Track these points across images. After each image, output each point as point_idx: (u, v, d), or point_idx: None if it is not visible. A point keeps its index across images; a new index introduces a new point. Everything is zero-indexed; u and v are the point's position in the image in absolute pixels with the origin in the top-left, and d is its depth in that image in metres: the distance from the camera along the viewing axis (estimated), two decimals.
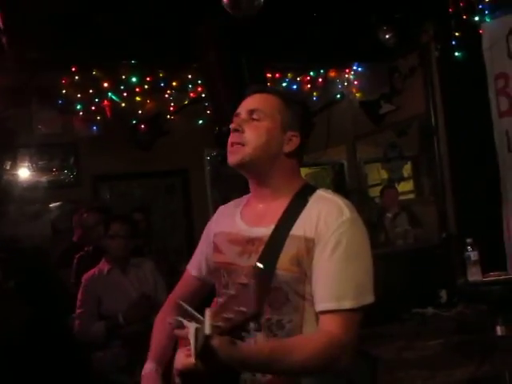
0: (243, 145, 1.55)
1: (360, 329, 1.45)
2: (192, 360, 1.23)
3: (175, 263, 5.03)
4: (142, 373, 1.67)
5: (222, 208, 1.77)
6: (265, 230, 1.52)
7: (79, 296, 3.24)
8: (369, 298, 1.45)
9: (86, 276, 3.30)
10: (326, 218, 1.46)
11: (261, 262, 1.49)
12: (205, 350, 1.22)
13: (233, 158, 1.57)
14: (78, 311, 3.22)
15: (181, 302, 1.37)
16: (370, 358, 3.33)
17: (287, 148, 1.56)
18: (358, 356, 3.36)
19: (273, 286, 1.47)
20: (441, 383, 3.18)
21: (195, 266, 1.79)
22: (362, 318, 1.45)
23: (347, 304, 1.41)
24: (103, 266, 3.35)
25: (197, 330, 1.23)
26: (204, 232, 1.80)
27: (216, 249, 1.66)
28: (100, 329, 3.10)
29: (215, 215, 1.77)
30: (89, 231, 3.81)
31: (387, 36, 5.12)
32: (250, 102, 1.59)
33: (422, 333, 4.02)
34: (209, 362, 1.23)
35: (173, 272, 4.62)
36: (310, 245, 1.45)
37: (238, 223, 1.62)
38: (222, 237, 1.65)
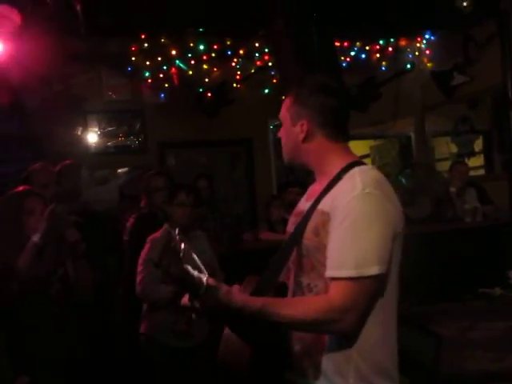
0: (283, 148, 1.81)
1: (369, 299, 1.52)
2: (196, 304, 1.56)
3: (238, 231, 5.08)
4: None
5: (310, 186, 1.93)
6: (309, 204, 1.69)
7: (143, 256, 3.26)
8: (373, 270, 1.49)
9: (152, 237, 3.32)
10: (340, 193, 1.58)
11: (294, 231, 1.69)
12: (207, 293, 1.51)
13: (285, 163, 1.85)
14: (141, 270, 3.24)
15: (193, 255, 1.68)
16: (434, 336, 3.29)
17: (301, 136, 1.70)
18: (422, 333, 3.30)
19: (302, 252, 1.65)
20: (507, 367, 3.10)
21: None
22: (369, 289, 1.50)
23: (345, 272, 1.49)
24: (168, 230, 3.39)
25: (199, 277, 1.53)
26: None
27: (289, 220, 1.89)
28: (168, 292, 3.12)
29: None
30: (153, 194, 3.83)
31: (463, 2, 4.88)
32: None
33: (487, 313, 3.92)
34: (209, 303, 1.52)
35: (235, 240, 4.68)
36: (325, 218, 1.59)
37: (303, 199, 1.84)
38: (294, 210, 1.87)
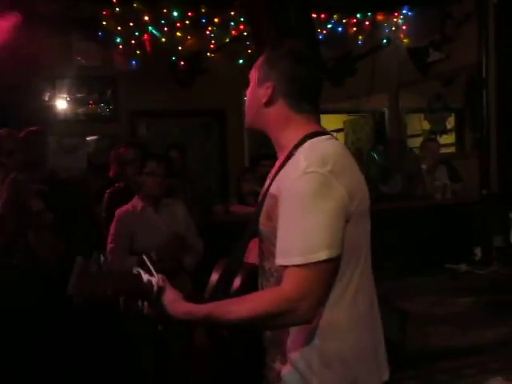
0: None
1: (323, 284, 1.44)
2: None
3: (208, 203, 5.03)
4: None
5: None
6: (267, 184, 1.61)
7: (111, 230, 3.24)
8: (321, 255, 1.40)
9: (119, 211, 3.29)
10: (286, 174, 1.50)
11: (254, 213, 1.61)
12: (156, 302, 1.46)
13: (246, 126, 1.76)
14: (110, 245, 3.22)
15: (143, 256, 1.59)
16: (400, 311, 3.32)
17: (264, 99, 1.60)
18: (388, 309, 3.34)
19: (260, 238, 1.60)
20: (471, 342, 3.15)
21: None
22: (321, 274, 1.43)
23: (293, 260, 1.42)
24: (136, 202, 3.34)
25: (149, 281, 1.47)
26: None
27: None
28: (133, 263, 3.10)
29: None
30: (125, 166, 3.77)
31: None
32: None
33: (453, 289, 3.98)
34: (159, 311, 1.47)
35: (206, 212, 4.63)
36: (274, 201, 1.50)
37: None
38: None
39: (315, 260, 1.40)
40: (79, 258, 1.42)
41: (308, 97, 1.62)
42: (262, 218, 1.56)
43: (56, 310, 2.88)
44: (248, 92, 1.68)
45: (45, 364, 2.58)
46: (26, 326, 2.52)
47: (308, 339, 1.52)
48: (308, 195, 1.42)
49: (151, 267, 1.49)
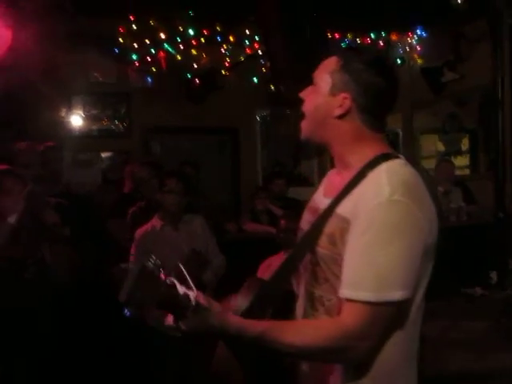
0: (304, 115, 1.52)
1: (387, 325, 1.32)
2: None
3: (221, 221, 5.02)
4: None
5: (329, 172, 1.68)
6: (327, 202, 1.45)
7: (132, 251, 3.25)
8: (396, 295, 1.27)
9: (138, 231, 3.31)
10: (364, 197, 1.34)
11: (308, 234, 1.46)
12: (195, 314, 1.30)
13: (301, 137, 1.55)
14: (131, 266, 3.23)
15: (179, 264, 1.43)
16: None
17: (338, 111, 1.43)
18: None
19: (315, 260, 1.43)
20: (488, 367, 3.09)
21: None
22: (388, 315, 1.30)
23: (363, 295, 1.28)
24: (156, 222, 3.34)
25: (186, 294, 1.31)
26: None
27: (303, 215, 1.64)
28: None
29: (323, 179, 1.70)
30: (141, 185, 3.78)
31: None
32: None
33: (468, 313, 3.91)
34: (198, 326, 1.31)
35: (218, 229, 4.62)
36: (345, 225, 1.35)
37: (320, 191, 1.60)
38: (309, 203, 1.63)
39: (387, 299, 1.28)
40: (141, 266, 1.35)
41: (383, 114, 1.49)
42: (323, 241, 1.40)
43: (69, 323, 2.87)
44: (312, 98, 1.49)
45: (61, 378, 2.56)
46: (39, 340, 2.50)
47: (357, 381, 1.38)
48: (392, 225, 1.29)
49: (189, 279, 1.36)
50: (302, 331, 1.34)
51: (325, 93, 1.45)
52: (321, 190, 1.60)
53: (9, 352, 2.36)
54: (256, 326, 1.32)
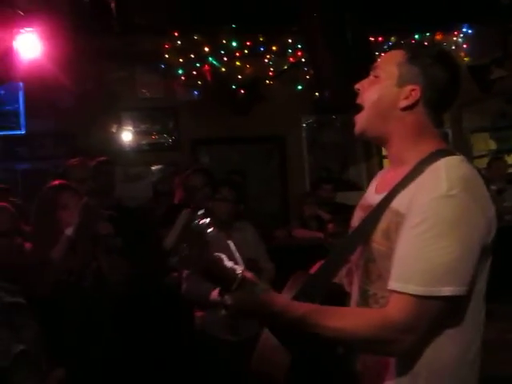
0: (362, 108, 1.49)
1: (437, 321, 1.29)
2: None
3: (269, 228, 5.05)
4: None
5: (380, 172, 1.70)
6: (379, 198, 1.44)
7: None
8: (446, 290, 1.24)
9: None
10: (421, 191, 1.32)
11: (360, 228, 1.44)
12: (240, 288, 1.27)
13: (355, 130, 1.52)
14: (186, 272, 3.26)
15: (228, 242, 1.44)
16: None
17: (404, 103, 1.42)
18: None
19: (368, 257, 1.42)
20: None
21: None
22: (438, 311, 1.27)
23: (411, 288, 1.26)
24: None
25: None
26: None
27: (354, 214, 1.64)
28: (210, 289, 3.12)
29: (374, 178, 1.69)
30: (193, 192, 3.84)
31: None
32: (377, 61, 1.53)
33: None
34: (241, 301, 1.28)
35: (267, 237, 4.65)
36: (399, 220, 1.34)
37: (372, 189, 1.58)
38: (360, 201, 1.63)
39: (437, 294, 1.25)
40: (185, 212, 1.33)
41: (444, 110, 1.48)
42: (377, 236, 1.39)
43: (127, 331, 2.95)
44: (374, 89, 1.47)
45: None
46: (98, 348, 2.59)
47: (412, 374, 1.35)
48: (448, 220, 1.27)
49: (237, 255, 1.36)
50: (345, 317, 1.32)
51: (391, 84, 1.44)
52: (372, 188, 1.59)
53: (73, 357, 2.45)
54: (300, 307, 1.30)
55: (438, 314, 1.28)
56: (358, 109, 1.51)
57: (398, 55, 1.46)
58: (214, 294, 1.33)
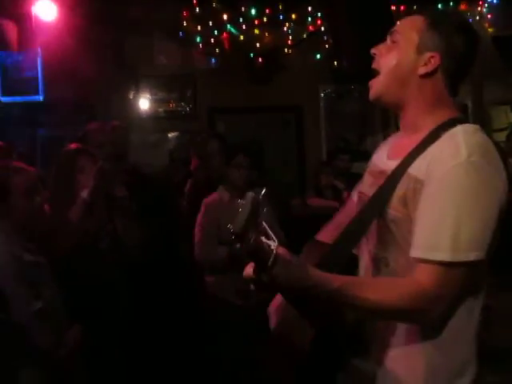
0: (378, 72, 1.49)
1: (461, 287, 1.31)
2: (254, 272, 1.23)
3: (287, 197, 5.07)
4: None
5: (389, 138, 1.70)
6: (393, 164, 1.45)
7: (200, 220, 3.31)
8: (472, 255, 1.26)
9: (207, 201, 3.36)
10: (440, 158, 1.32)
11: (376, 197, 1.44)
12: (276, 264, 1.21)
13: (370, 95, 1.51)
14: (198, 234, 3.30)
15: (262, 222, 1.29)
16: (484, 307, 3.21)
17: (423, 69, 1.43)
18: None
19: (382, 223, 1.42)
20: None
21: (356, 193, 1.73)
22: (463, 276, 1.28)
23: (439, 255, 1.27)
24: (223, 194, 3.40)
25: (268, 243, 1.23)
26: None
27: (363, 179, 1.66)
28: (223, 252, 3.17)
29: (381, 144, 1.69)
30: (207, 158, 3.85)
31: None
32: (395, 26, 1.51)
33: None
34: (278, 276, 1.22)
35: (283, 206, 4.67)
36: (417, 186, 1.35)
37: (383, 155, 1.58)
38: (370, 167, 1.64)
39: (464, 260, 1.27)
40: (250, 194, 1.26)
41: (461, 80, 1.48)
42: (395, 202, 1.38)
43: (142, 295, 3.01)
44: (392, 54, 1.46)
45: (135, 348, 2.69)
46: (114, 307, 2.64)
47: (417, 343, 1.38)
48: (470, 186, 1.28)
49: (269, 231, 1.26)
50: (380, 289, 1.31)
51: (410, 50, 1.44)
52: (383, 153, 1.58)
53: (88, 318, 2.51)
54: (335, 280, 1.28)
55: (464, 280, 1.30)
56: (374, 73, 1.49)
57: (418, 21, 1.46)
58: (248, 271, 1.27)
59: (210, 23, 5.94)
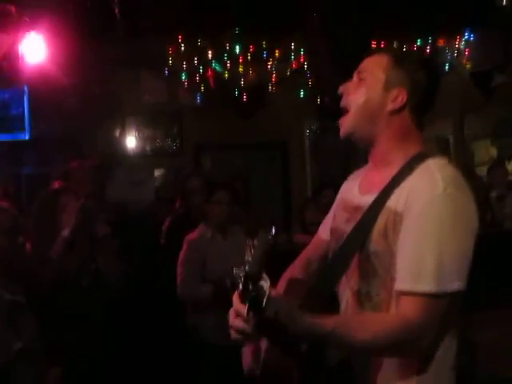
0: (347, 110, 1.51)
1: (443, 317, 1.32)
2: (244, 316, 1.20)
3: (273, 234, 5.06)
4: None
5: (355, 172, 1.71)
6: (368, 199, 1.47)
7: (182, 257, 3.29)
8: (455, 285, 1.29)
9: (189, 238, 3.35)
10: (417, 191, 1.35)
11: (353, 231, 1.46)
12: (268, 306, 1.17)
13: (341, 133, 1.53)
14: (181, 273, 3.28)
15: (250, 243, 1.26)
16: (469, 343, 3.21)
17: (391, 106, 1.46)
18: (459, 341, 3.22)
19: (363, 256, 1.43)
20: None
21: (324, 230, 1.74)
22: (447, 305, 1.30)
23: (424, 287, 1.28)
24: (205, 230, 3.40)
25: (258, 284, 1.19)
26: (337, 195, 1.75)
27: (334, 214, 1.66)
28: (207, 290, 3.15)
29: (348, 179, 1.71)
30: (190, 196, 3.86)
31: (503, 1, 4.78)
32: (361, 64, 1.55)
33: None
34: (269, 318, 1.20)
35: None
36: (397, 219, 1.37)
37: (354, 190, 1.59)
38: (340, 203, 1.64)
39: (449, 290, 1.29)
40: (264, 235, 1.24)
41: (425, 114, 1.51)
42: (375, 235, 1.40)
43: (122, 329, 2.99)
44: (360, 92, 1.49)
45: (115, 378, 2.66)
46: (94, 346, 2.62)
47: (402, 375, 1.38)
48: (449, 217, 1.31)
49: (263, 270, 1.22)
50: (368, 328, 1.31)
51: (378, 87, 1.47)
52: (353, 188, 1.60)
53: (70, 356, 2.48)
54: (328, 322, 1.28)
55: (446, 310, 1.32)
56: (343, 112, 1.53)
57: (383, 59, 1.50)
58: (241, 310, 1.20)
59: (196, 60, 6.03)
